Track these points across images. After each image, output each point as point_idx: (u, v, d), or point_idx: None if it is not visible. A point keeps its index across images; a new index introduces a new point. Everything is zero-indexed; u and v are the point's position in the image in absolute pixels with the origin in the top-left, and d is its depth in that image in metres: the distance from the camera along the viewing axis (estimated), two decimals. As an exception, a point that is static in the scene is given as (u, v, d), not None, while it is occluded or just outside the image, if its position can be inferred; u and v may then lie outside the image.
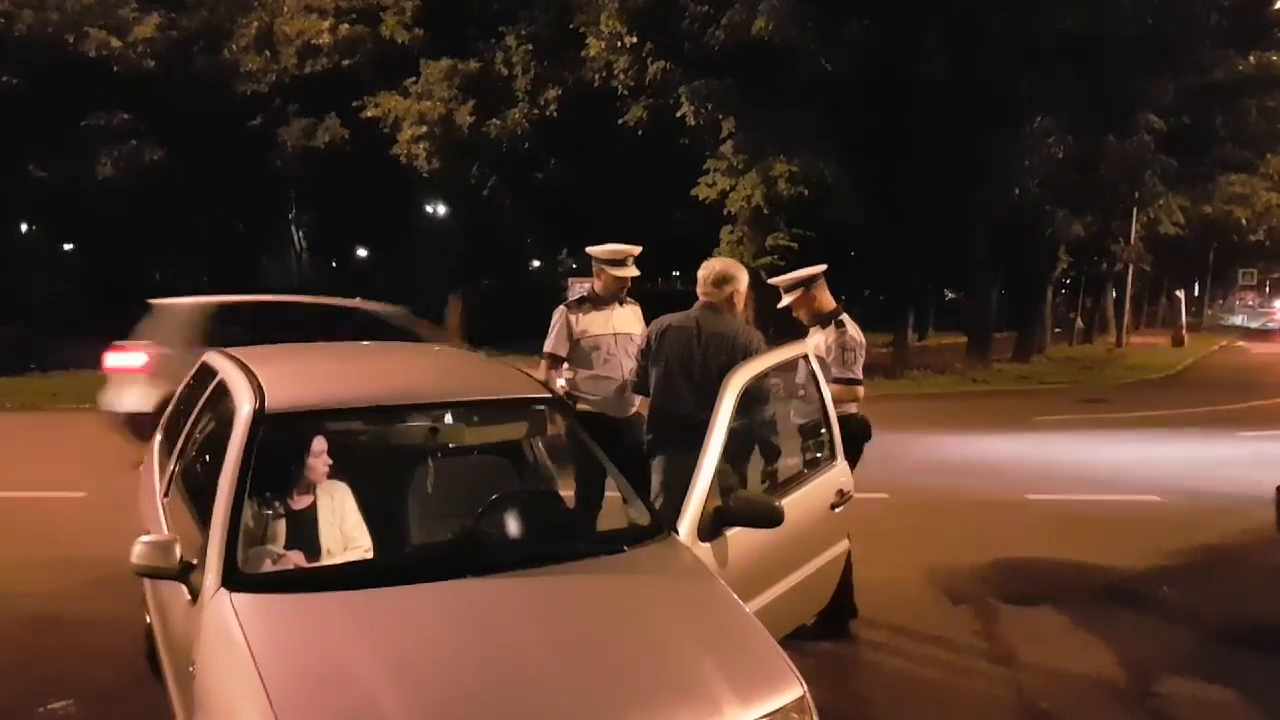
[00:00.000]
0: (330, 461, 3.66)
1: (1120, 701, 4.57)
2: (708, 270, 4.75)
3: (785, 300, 5.36)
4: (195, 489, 3.78)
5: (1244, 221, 32.56)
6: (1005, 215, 21.04)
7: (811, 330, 5.35)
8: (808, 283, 5.30)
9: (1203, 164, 24.99)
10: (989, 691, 4.64)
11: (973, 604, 5.82)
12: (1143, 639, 5.32)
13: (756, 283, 19.02)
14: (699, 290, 4.75)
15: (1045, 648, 5.14)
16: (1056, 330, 31.84)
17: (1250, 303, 74.10)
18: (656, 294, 21.24)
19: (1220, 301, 66.80)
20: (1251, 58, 22.33)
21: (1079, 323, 34.54)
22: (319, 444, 3.62)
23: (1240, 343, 38.58)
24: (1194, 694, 4.64)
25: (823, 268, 5.37)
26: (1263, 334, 46.89)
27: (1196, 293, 51.39)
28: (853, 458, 4.87)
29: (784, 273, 5.54)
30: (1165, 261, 37.38)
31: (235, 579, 2.92)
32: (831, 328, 5.21)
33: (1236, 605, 5.92)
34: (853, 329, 5.22)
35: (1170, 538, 7.26)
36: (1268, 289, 76.53)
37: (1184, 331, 33.38)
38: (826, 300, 5.32)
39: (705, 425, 4.05)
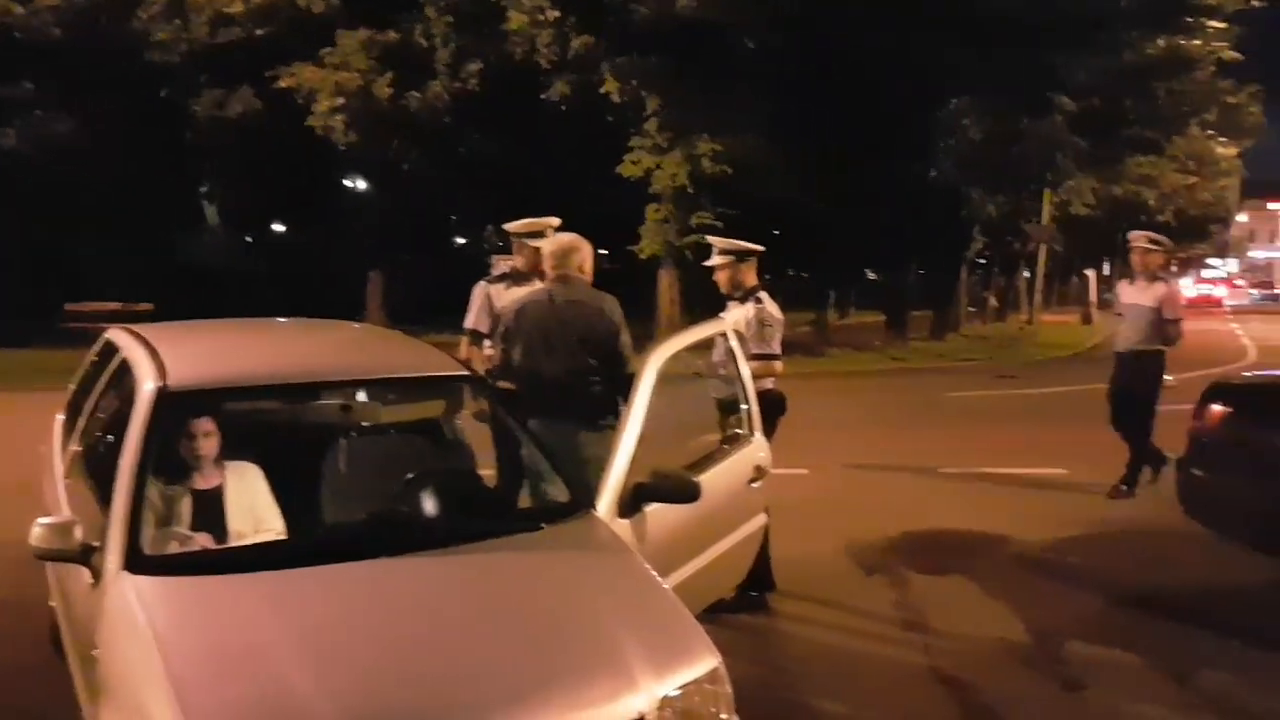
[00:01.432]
0: (219, 442, 3.52)
1: (1026, 666, 4.73)
2: (554, 244, 4.73)
3: (714, 260, 5.47)
4: (97, 470, 3.66)
5: (1151, 203, 33.71)
6: (923, 195, 21.42)
7: (729, 305, 5.44)
8: (743, 255, 5.44)
9: (1112, 145, 25.73)
10: (901, 659, 4.76)
11: (886, 574, 5.96)
12: (1049, 605, 5.50)
13: (682, 261, 19.06)
14: (547, 265, 4.71)
15: (955, 616, 5.29)
16: (971, 309, 32.61)
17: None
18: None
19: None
20: (1161, 41, 22.99)
21: (992, 301, 35.42)
22: (205, 424, 3.48)
23: (1145, 320, 39.89)
24: (1097, 657, 4.81)
25: (761, 249, 5.53)
26: None
27: (1106, 272, 53.02)
28: (768, 431, 4.94)
29: (710, 253, 5.62)
30: (1076, 241, 38.43)
31: (138, 561, 2.85)
32: (750, 304, 5.30)
33: (1138, 572, 6.14)
34: (770, 306, 5.34)
35: (1076, 508, 7.51)
36: (1174, 269, 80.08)
37: (1093, 310, 34.45)
38: (750, 277, 5.46)
39: (569, 392, 4.30)
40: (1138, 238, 8.05)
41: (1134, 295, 7.88)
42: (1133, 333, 7.79)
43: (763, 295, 5.38)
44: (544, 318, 4.55)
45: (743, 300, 5.37)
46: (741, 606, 5.06)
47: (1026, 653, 4.86)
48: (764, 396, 4.99)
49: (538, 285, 5.34)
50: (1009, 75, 18.92)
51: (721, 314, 5.61)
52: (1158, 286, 7.77)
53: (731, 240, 5.55)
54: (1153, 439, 7.83)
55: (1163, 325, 7.65)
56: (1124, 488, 7.82)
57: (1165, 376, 7.76)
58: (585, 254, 4.72)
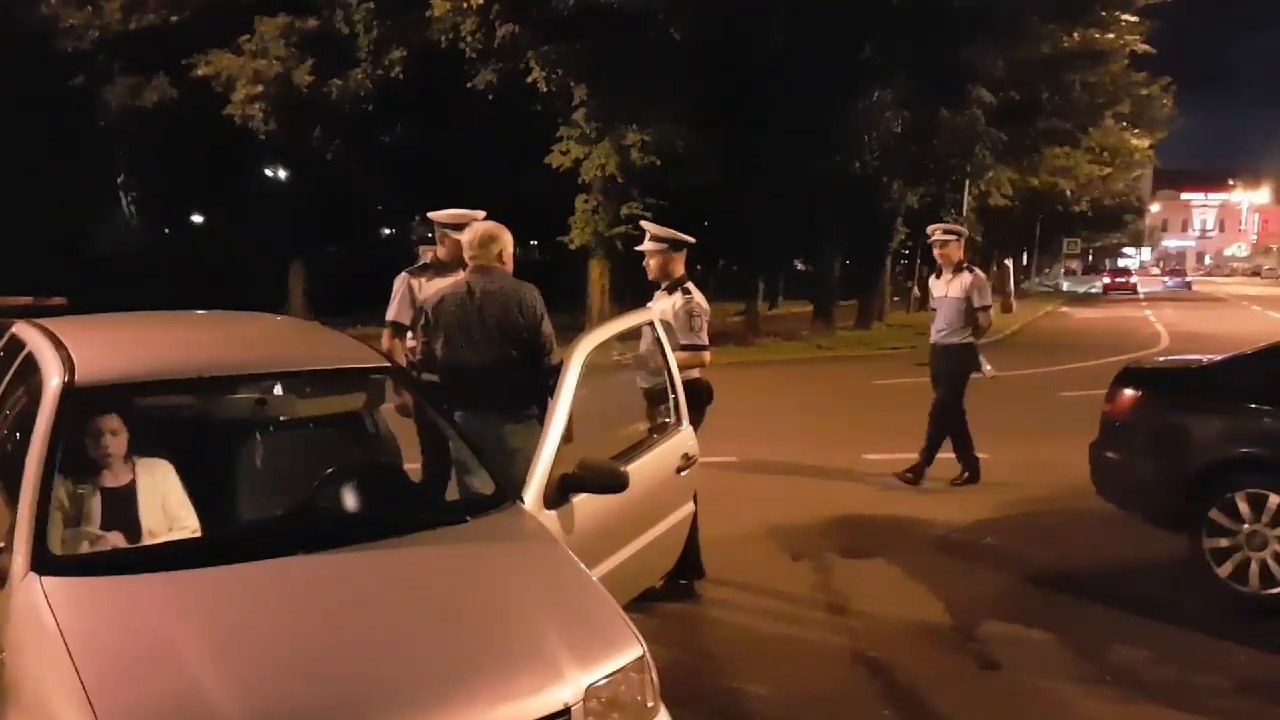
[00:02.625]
0: (128, 439, 3.42)
1: (944, 645, 4.85)
2: (473, 234, 4.68)
3: (646, 246, 5.52)
4: (2, 470, 3.53)
5: (1068, 193, 34.61)
6: (847, 186, 21.70)
7: (656, 294, 5.48)
8: (676, 244, 5.50)
9: (1029, 137, 26.32)
10: (824, 641, 4.85)
11: (811, 559, 6.05)
12: (967, 587, 5.64)
13: (613, 252, 19.00)
14: (466, 255, 4.68)
15: (877, 598, 5.41)
16: (895, 299, 33.18)
17: (1074, 269, 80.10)
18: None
19: (1047, 270, 71.42)
20: (1076, 33, 23.58)
21: (916, 291, 36.05)
22: (111, 422, 3.38)
23: (1064, 309, 41.06)
24: (1012, 635, 4.95)
25: (693, 240, 5.60)
26: (1085, 299, 50.07)
27: (1025, 261, 54.34)
28: (696, 420, 4.98)
29: (641, 241, 5.65)
30: (995, 231, 39.31)
31: (46, 562, 2.77)
32: (678, 294, 5.36)
33: (1054, 553, 6.33)
34: (698, 296, 5.42)
35: (995, 492, 7.70)
36: (1090, 257, 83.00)
37: (1012, 299, 35.27)
38: (679, 267, 5.54)
39: (491, 383, 4.28)
40: (933, 230, 8.09)
41: (942, 288, 7.95)
42: (944, 325, 7.94)
43: (690, 286, 5.46)
44: (463, 310, 4.51)
45: (670, 290, 5.44)
46: (671, 594, 5.10)
47: (944, 633, 4.99)
48: (691, 385, 5.04)
49: (460, 275, 5.30)
50: (926, 67, 19.25)
51: (649, 304, 5.66)
52: (964, 276, 7.84)
53: (666, 229, 5.58)
54: (972, 443, 8.01)
55: (973, 314, 7.79)
56: (929, 477, 7.91)
57: (985, 366, 8.01)
58: (505, 243, 4.69)
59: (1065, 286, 65.14)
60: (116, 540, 3.25)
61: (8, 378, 3.99)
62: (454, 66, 17.83)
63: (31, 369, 3.63)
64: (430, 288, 5.20)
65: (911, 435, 8.29)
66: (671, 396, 4.64)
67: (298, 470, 3.66)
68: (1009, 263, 38.90)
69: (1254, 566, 5.29)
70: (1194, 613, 5.23)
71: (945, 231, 8.02)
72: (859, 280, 27.67)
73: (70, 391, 3.18)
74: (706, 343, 5.38)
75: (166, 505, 3.42)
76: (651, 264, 5.53)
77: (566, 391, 3.76)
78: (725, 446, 7.54)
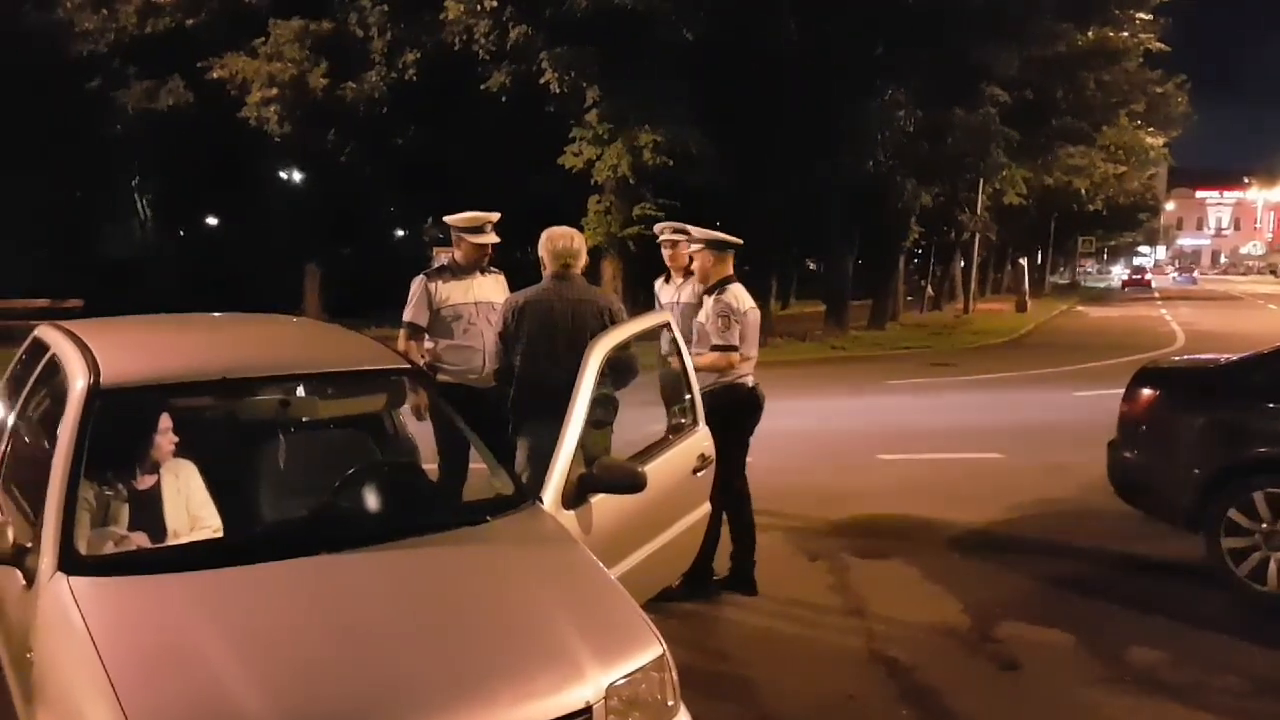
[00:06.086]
0: (175, 439, 3.50)
1: (964, 647, 4.83)
2: (564, 241, 4.72)
3: (692, 248, 5.41)
4: (29, 471, 3.57)
5: (1083, 191, 34.45)
6: (859, 186, 21.66)
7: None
8: (718, 246, 5.35)
9: (1043, 136, 26.23)
10: (842, 642, 4.84)
11: (828, 560, 6.04)
12: (985, 588, 5.62)
13: (625, 252, 19.03)
14: (548, 260, 4.72)
15: (895, 599, 5.39)
16: (909, 298, 33.11)
17: (1089, 269, 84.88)
18: (524, 263, 21.04)
19: (1062, 269, 71.99)
20: (1090, 32, 23.48)
21: (929, 290, 35.97)
22: (164, 421, 3.47)
23: (1080, 307, 40.91)
24: (1031, 636, 4.94)
25: (739, 242, 5.41)
26: (1102, 297, 49.83)
27: (1040, 260, 54.11)
28: (739, 430, 5.11)
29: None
30: (1009, 230, 39.18)
31: (73, 562, 2.80)
32: (715, 295, 5.28)
33: (1071, 554, 6.31)
34: (732, 298, 5.25)
35: (1012, 492, 7.68)
36: (1105, 256, 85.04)
37: (1027, 298, 35.16)
38: (724, 269, 5.38)
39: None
40: (662, 229, 6.25)
41: (671, 294, 6.18)
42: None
43: (730, 287, 5.31)
44: (549, 318, 4.55)
45: (710, 292, 5.37)
46: (689, 594, 5.11)
47: (963, 633, 4.97)
48: (728, 391, 5.10)
49: (477, 278, 5.33)
50: (939, 67, 19.19)
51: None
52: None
53: (709, 231, 5.47)
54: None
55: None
56: None
57: None
58: (584, 252, 4.77)
59: (1085, 283, 69.23)
60: (141, 540, 3.28)
61: (32, 380, 4.03)
62: (467, 69, 17.87)
63: (56, 371, 3.67)
64: (447, 290, 5.23)
65: (925, 436, 8.29)
66: (687, 397, 4.64)
67: (318, 471, 3.68)
68: (1023, 262, 38.76)
69: (1273, 566, 5.27)
70: (1213, 613, 5.22)
71: (675, 231, 6.10)
72: (872, 280, 27.60)
73: (96, 393, 3.21)
74: (737, 344, 5.21)
75: (190, 505, 3.46)
76: (695, 266, 5.44)
77: (584, 393, 3.77)
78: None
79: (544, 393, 4.31)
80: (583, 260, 4.74)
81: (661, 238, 6.33)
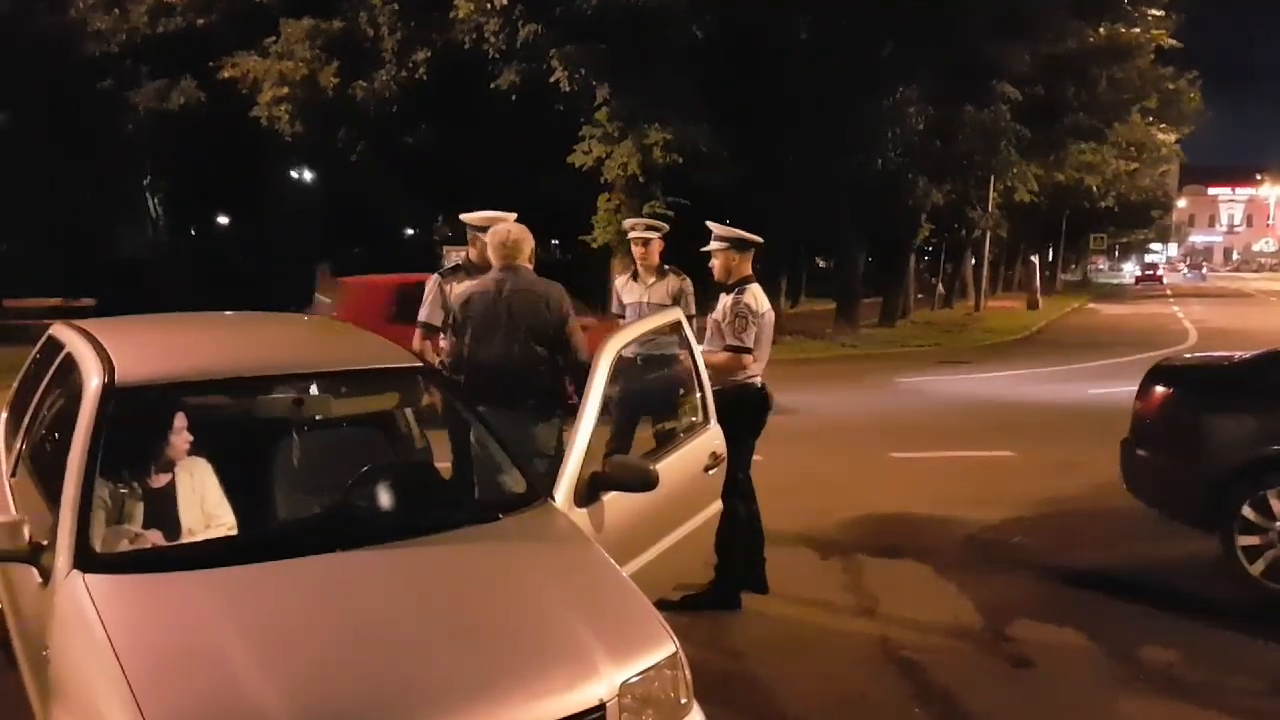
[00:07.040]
0: (190, 438, 3.52)
1: (977, 646, 4.83)
2: (502, 234, 4.73)
3: (711, 246, 5.36)
4: (44, 468, 3.59)
5: (1094, 189, 34.29)
6: (869, 184, 21.60)
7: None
8: (739, 244, 5.31)
9: (1055, 133, 26.10)
10: (855, 640, 4.84)
11: (840, 558, 6.04)
12: (997, 585, 5.61)
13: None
14: (494, 255, 4.74)
15: (908, 598, 5.38)
16: (920, 296, 32.99)
17: (1101, 265, 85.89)
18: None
19: (1073, 266, 71.92)
20: (1102, 29, 23.36)
21: (940, 288, 35.86)
22: (179, 420, 3.48)
23: (1091, 305, 40.75)
24: (1044, 634, 4.93)
25: (759, 240, 5.37)
26: (1114, 294, 49.62)
27: (1051, 257, 53.91)
28: (750, 429, 5.10)
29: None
30: (1021, 228, 39.03)
31: (88, 559, 2.81)
32: (734, 294, 5.24)
33: (1084, 551, 6.29)
34: (750, 298, 5.20)
35: (1024, 491, 7.66)
36: (1117, 253, 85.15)
37: (1038, 295, 35.04)
38: (745, 267, 5.33)
39: (516, 378, 4.39)
40: (633, 225, 6.48)
41: (636, 293, 6.30)
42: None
43: (748, 287, 5.25)
44: (492, 308, 4.58)
45: (729, 291, 5.34)
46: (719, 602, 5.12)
47: (975, 632, 4.97)
48: (739, 390, 5.08)
49: (490, 276, 5.34)
50: (950, 64, 19.12)
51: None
52: (670, 281, 6.31)
53: (730, 229, 5.39)
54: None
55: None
56: None
57: None
58: (530, 244, 4.78)
59: (1096, 280, 70.84)
60: (156, 538, 3.30)
61: (47, 378, 4.05)
62: (477, 67, 17.89)
63: (71, 370, 3.68)
64: (461, 289, 5.24)
65: (937, 434, 8.27)
66: (698, 395, 4.64)
67: (331, 469, 3.70)
68: (1035, 259, 38.62)
69: (1288, 564, 5.24)
70: (1226, 611, 5.20)
71: (649, 228, 6.40)
72: (883, 277, 27.54)
73: (111, 391, 3.22)
74: (751, 346, 5.15)
75: (204, 503, 3.48)
76: (715, 264, 5.37)
77: (596, 390, 3.78)
78: (751, 445, 7.50)
79: (486, 378, 4.50)
80: (526, 252, 4.73)
81: (632, 234, 6.36)
